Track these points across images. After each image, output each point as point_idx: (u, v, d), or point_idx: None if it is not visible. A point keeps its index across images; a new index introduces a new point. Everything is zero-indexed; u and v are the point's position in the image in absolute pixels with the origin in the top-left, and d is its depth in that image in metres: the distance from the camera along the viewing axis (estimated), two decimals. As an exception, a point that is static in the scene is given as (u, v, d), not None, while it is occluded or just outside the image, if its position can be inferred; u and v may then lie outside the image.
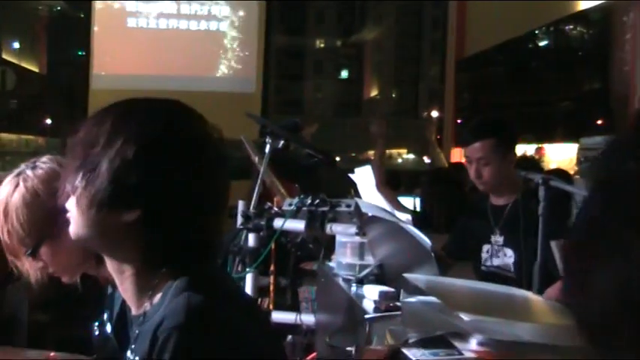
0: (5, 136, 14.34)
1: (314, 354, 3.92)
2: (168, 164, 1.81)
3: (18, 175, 2.59)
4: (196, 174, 1.85)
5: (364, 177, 3.05)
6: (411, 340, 2.02)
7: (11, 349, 2.79)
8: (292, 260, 4.87)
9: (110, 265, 1.93)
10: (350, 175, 3.14)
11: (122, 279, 1.92)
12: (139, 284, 1.89)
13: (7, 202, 2.55)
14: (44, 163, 2.62)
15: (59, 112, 14.63)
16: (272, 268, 4.67)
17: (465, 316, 2.02)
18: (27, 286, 2.85)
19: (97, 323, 2.78)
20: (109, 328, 2.69)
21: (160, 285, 1.84)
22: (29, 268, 2.62)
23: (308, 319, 4.33)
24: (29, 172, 2.58)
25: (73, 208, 1.87)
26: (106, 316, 2.70)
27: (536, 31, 12.16)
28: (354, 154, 11.23)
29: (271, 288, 4.66)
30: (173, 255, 1.84)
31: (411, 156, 12.97)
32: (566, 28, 12.03)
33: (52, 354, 2.74)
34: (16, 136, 14.92)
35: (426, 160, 12.82)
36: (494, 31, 11.46)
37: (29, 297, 3.51)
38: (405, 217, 2.90)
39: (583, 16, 10.63)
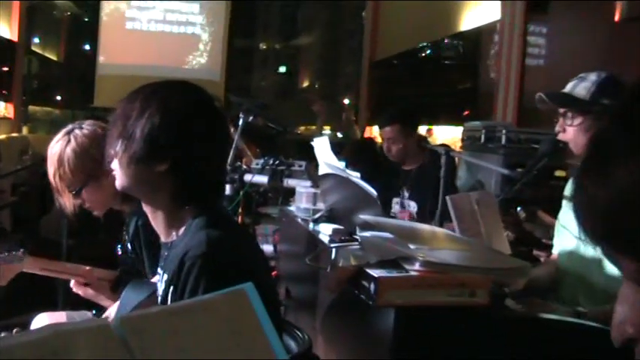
0: (32, 107, 14.08)
1: (275, 272, 3.94)
2: (187, 125, 1.83)
3: (68, 133, 2.60)
4: (209, 131, 1.87)
5: (321, 145, 3.06)
6: (371, 262, 2.04)
7: (54, 262, 2.75)
8: (254, 205, 4.89)
9: (145, 206, 1.95)
10: (311, 143, 3.15)
11: (155, 215, 1.94)
12: (168, 219, 1.91)
13: (61, 153, 2.56)
14: (89, 125, 2.63)
15: (72, 91, 14.35)
16: (240, 210, 4.68)
17: (411, 245, 2.05)
18: (62, 217, 2.82)
19: (119, 245, 2.76)
20: (130, 248, 2.68)
21: (185, 219, 1.87)
22: (68, 203, 2.61)
23: (266, 248, 4.36)
24: (77, 131, 2.59)
25: (116, 167, 1.90)
26: (126, 237, 2.70)
27: (428, 44, 12.32)
28: (289, 129, 11.26)
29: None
30: (194, 195, 1.87)
31: (330, 132, 13.04)
32: (450, 42, 12.26)
33: (86, 267, 2.71)
34: (40, 108, 14.64)
35: (339, 134, 12.84)
36: (397, 42, 11.54)
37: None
38: (355, 173, 2.91)
39: (462, 35, 10.76)
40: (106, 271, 2.73)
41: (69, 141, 2.56)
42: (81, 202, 2.64)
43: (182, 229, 1.87)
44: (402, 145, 4.67)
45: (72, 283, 2.68)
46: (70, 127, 2.64)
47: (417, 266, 1.93)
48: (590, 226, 0.76)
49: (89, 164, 2.52)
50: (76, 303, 2.76)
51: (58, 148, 2.57)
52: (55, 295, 3.34)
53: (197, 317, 1.02)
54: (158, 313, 1.04)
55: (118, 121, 1.87)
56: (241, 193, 4.44)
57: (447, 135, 9.71)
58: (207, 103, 1.90)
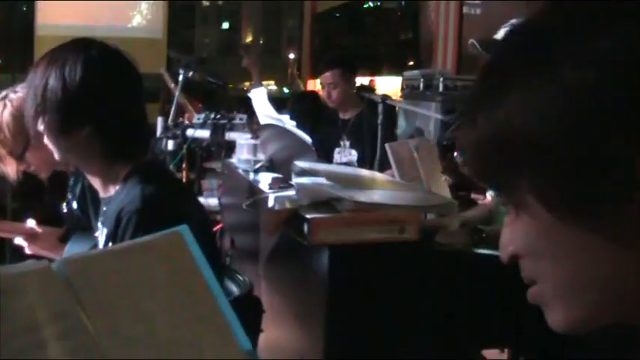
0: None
1: (220, 225, 4.01)
2: (94, 85, 1.83)
3: (3, 98, 2.59)
4: (119, 87, 1.88)
5: (258, 96, 3.11)
6: (304, 204, 2.11)
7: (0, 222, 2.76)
8: (199, 160, 4.92)
9: (81, 167, 1.98)
10: (247, 95, 3.19)
11: (91, 174, 1.97)
12: (102, 177, 1.94)
13: (10, 120, 2.55)
14: (22, 87, 2.60)
15: (11, 53, 14.05)
16: (184, 166, 4.71)
17: (343, 188, 2.13)
18: (6, 181, 2.83)
19: (64, 204, 2.79)
20: (74, 205, 2.70)
21: (119, 175, 1.90)
22: (11, 170, 2.63)
23: (212, 201, 4.41)
24: (12, 95, 2.58)
25: (47, 142, 1.89)
26: (70, 196, 2.72)
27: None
28: (231, 85, 11.18)
29: (184, 180, 4.70)
30: (121, 152, 1.89)
31: (275, 87, 13.01)
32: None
33: (31, 225, 2.73)
34: (-24, 72, 14.30)
35: (285, 90, 12.80)
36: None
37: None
38: (291, 122, 2.97)
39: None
40: (51, 228, 2.76)
41: (5, 106, 2.56)
42: (25, 167, 2.65)
43: (119, 183, 1.90)
44: (342, 89, 4.76)
45: (17, 240, 2.70)
46: (3, 93, 2.63)
47: (347, 206, 2.01)
48: (480, 159, 0.80)
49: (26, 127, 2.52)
50: (23, 260, 2.78)
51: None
52: (2, 255, 3.36)
53: (136, 257, 1.07)
54: (98, 254, 1.11)
55: (29, 97, 1.88)
56: (184, 148, 4.47)
57: (390, 86, 9.76)
58: (112, 58, 1.89)
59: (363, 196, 2.09)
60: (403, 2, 12.28)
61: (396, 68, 10.29)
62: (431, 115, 4.45)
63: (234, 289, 2.17)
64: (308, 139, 2.73)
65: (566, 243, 0.74)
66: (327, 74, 4.81)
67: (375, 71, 11.00)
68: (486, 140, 0.76)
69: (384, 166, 3.71)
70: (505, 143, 0.74)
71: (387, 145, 3.02)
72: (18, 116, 2.53)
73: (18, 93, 2.59)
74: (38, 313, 0.91)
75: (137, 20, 12.38)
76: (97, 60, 1.85)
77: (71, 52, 1.86)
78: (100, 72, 1.84)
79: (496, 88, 0.76)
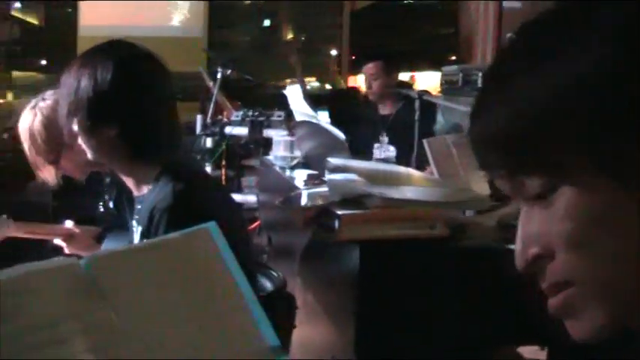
0: (15, 73, 13.98)
1: (258, 222, 4.03)
2: (123, 86, 1.85)
3: (33, 107, 2.63)
4: (148, 87, 1.90)
5: (293, 93, 3.12)
6: (335, 201, 2.11)
7: (38, 224, 2.81)
8: (237, 157, 4.96)
9: (113, 167, 2.01)
10: (283, 92, 3.21)
11: (123, 174, 2.00)
12: (135, 175, 1.97)
13: (30, 128, 2.60)
14: (50, 95, 2.64)
15: (55, 54, 14.25)
16: (223, 163, 4.75)
17: (374, 184, 2.13)
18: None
19: (101, 204, 2.83)
20: (111, 204, 2.74)
21: (152, 173, 1.91)
22: (49, 176, 2.67)
23: (250, 198, 4.44)
24: (42, 104, 2.62)
25: (80, 142, 1.92)
26: (107, 196, 2.75)
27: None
28: (273, 82, 11.23)
29: (223, 178, 4.74)
30: (151, 151, 1.92)
31: (316, 84, 13.01)
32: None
33: (68, 226, 2.78)
34: (23, 73, 14.54)
35: (327, 86, 12.80)
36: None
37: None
38: (325, 119, 2.98)
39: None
40: (88, 228, 2.80)
41: (35, 115, 2.61)
42: (61, 171, 2.69)
43: (151, 182, 1.93)
44: (382, 81, 4.78)
45: (56, 241, 2.75)
46: (33, 102, 2.68)
47: (376, 202, 2.01)
48: (493, 149, 0.75)
49: (59, 134, 2.55)
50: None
51: (27, 124, 2.62)
52: (43, 256, 3.41)
53: (163, 253, 1.09)
54: (124, 251, 1.12)
55: (62, 98, 1.93)
56: (223, 145, 4.51)
57: (430, 81, 9.72)
58: (141, 59, 1.92)
59: (394, 193, 2.09)
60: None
61: (436, 64, 10.25)
62: (469, 110, 4.42)
63: (268, 285, 2.19)
64: (342, 135, 2.74)
65: (622, 224, 0.68)
66: (370, 65, 4.85)
67: (415, 67, 10.96)
68: (526, 119, 0.72)
69: (422, 163, 3.70)
70: (559, 117, 0.70)
71: (424, 141, 3.01)
72: (49, 125, 2.57)
73: (47, 101, 2.63)
74: (64, 308, 0.93)
75: (177, 20, 12.48)
76: (127, 61, 1.89)
77: (102, 53, 1.90)
78: (129, 73, 1.87)
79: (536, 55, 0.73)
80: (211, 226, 1.14)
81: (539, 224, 0.73)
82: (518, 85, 0.72)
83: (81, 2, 12.49)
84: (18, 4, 14.56)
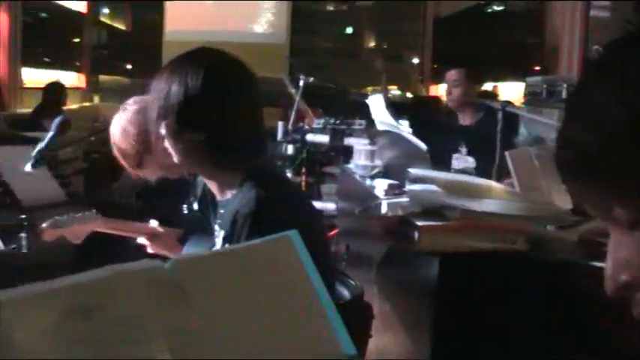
0: (102, 77, 14.34)
1: (336, 230, 4.05)
2: (212, 93, 1.88)
3: (123, 110, 2.69)
4: (236, 94, 1.92)
5: (376, 102, 3.14)
6: (415, 211, 2.12)
7: (124, 221, 2.88)
8: (318, 165, 4.99)
9: (198, 171, 2.05)
10: (365, 101, 3.23)
11: (208, 178, 2.04)
12: (219, 180, 2.00)
13: (118, 130, 2.66)
14: (139, 99, 2.70)
15: (140, 59, 14.56)
16: (304, 170, 4.79)
17: (455, 196, 2.13)
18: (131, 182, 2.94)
19: (184, 205, 2.88)
20: (195, 206, 2.79)
21: (235, 179, 1.94)
22: (149, 173, 2.74)
23: (330, 206, 4.46)
24: (131, 108, 2.68)
25: (167, 146, 1.97)
26: (191, 198, 2.80)
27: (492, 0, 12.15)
28: (355, 90, 11.20)
29: (303, 185, 4.78)
30: (237, 157, 1.94)
31: (397, 92, 12.96)
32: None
33: (153, 225, 2.84)
34: (110, 77, 14.90)
35: (408, 94, 12.74)
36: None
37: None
38: (407, 129, 2.98)
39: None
40: (172, 229, 2.86)
41: (125, 116, 2.68)
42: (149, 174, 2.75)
43: (235, 187, 1.96)
44: (463, 89, 4.73)
45: (139, 239, 2.82)
46: (123, 105, 2.75)
47: (456, 214, 2.01)
48: (584, 177, 0.74)
49: (144, 138, 2.61)
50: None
51: (115, 126, 2.69)
52: (126, 253, 3.49)
53: (245, 259, 1.11)
54: (208, 255, 1.15)
55: (151, 102, 1.96)
56: (304, 152, 4.55)
57: (513, 92, 9.61)
58: (231, 66, 1.95)
59: (474, 205, 2.08)
60: (529, 4, 12.04)
61: (520, 74, 10.12)
62: (553, 123, 4.36)
63: (346, 293, 2.20)
64: (423, 146, 2.74)
65: None
66: (452, 72, 4.81)
67: (499, 77, 10.83)
68: (619, 148, 0.70)
69: (503, 175, 3.66)
70: None
71: (506, 153, 2.99)
72: (134, 132, 2.63)
73: (136, 105, 2.68)
74: (148, 309, 0.96)
75: (260, 26, 12.63)
76: (217, 68, 1.92)
77: (193, 59, 1.94)
78: (219, 79, 1.90)
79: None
80: (293, 234, 1.16)
81: (630, 252, 0.74)
82: (610, 110, 0.70)
83: (167, 8, 12.77)
84: (106, 10, 14.96)
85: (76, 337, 0.90)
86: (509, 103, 4.45)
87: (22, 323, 0.88)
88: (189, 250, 2.57)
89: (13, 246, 2.79)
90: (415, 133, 3.37)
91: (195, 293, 1.01)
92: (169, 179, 2.82)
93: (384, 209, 2.35)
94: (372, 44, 15.07)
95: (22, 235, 2.75)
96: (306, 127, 4.89)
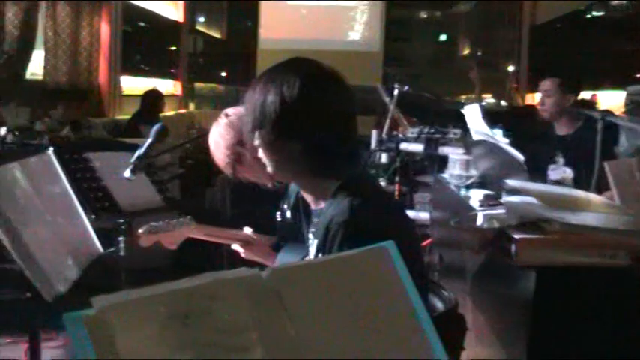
0: (197, 84, 14.64)
1: (430, 240, 4.02)
2: (308, 103, 1.88)
3: (220, 119, 2.74)
4: (331, 104, 1.91)
5: (472, 111, 3.11)
6: (512, 224, 2.09)
7: (218, 228, 2.92)
8: (411, 174, 4.97)
9: (293, 181, 2.06)
10: (460, 110, 3.20)
11: (302, 188, 2.05)
12: (313, 189, 2.01)
13: (215, 138, 2.71)
14: (236, 109, 2.74)
15: (235, 67, 14.81)
16: (397, 179, 4.77)
17: (553, 209, 2.10)
18: (224, 188, 2.98)
19: (278, 213, 2.91)
20: (288, 214, 2.81)
21: (330, 188, 1.94)
22: (246, 177, 2.78)
23: (423, 215, 4.43)
24: (227, 118, 2.72)
25: (262, 155, 1.99)
26: (285, 206, 2.82)
27: (592, 5, 11.84)
28: (447, 98, 11.10)
29: (397, 194, 4.76)
30: (332, 167, 1.94)
31: (492, 100, 12.81)
32: (614, 2, 11.75)
33: (247, 232, 2.88)
34: (205, 84, 15.19)
35: (503, 103, 12.57)
36: (559, 4, 11.19)
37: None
38: (504, 140, 2.94)
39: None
40: (265, 236, 2.89)
41: (220, 125, 2.73)
42: (247, 178, 2.79)
43: (329, 197, 1.96)
44: (556, 99, 4.61)
45: (233, 246, 2.86)
46: (222, 113, 2.79)
47: (555, 228, 1.97)
48: None
49: (240, 147, 2.65)
50: (238, 267, 2.91)
51: (213, 134, 2.74)
52: (220, 260, 3.54)
53: (341, 269, 1.12)
54: (305, 265, 1.15)
55: (247, 113, 1.98)
56: (397, 161, 4.54)
57: (613, 100, 9.37)
58: (326, 77, 1.94)
59: (573, 218, 2.04)
60: (630, 9, 11.68)
61: (620, 82, 9.85)
62: (656, 134, 4.23)
63: (439, 305, 2.18)
64: (520, 157, 2.70)
65: None
66: (546, 82, 4.68)
67: (598, 85, 10.57)
68: None
69: (601, 187, 3.58)
70: None
71: (605, 164, 2.92)
72: (229, 140, 2.68)
73: (233, 114, 2.73)
74: (246, 317, 0.98)
75: (354, 34, 12.69)
76: (312, 78, 1.92)
77: (288, 69, 1.94)
78: (315, 90, 1.90)
79: None
80: (389, 244, 1.16)
81: None
82: None
83: (261, 16, 12.96)
84: (202, 19, 15.27)
85: (176, 343, 0.93)
86: (608, 112, 4.34)
87: (123, 328, 0.91)
88: (283, 257, 2.59)
89: (112, 249, 2.86)
90: (511, 143, 3.33)
91: (291, 302, 1.02)
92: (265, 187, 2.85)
93: (479, 220, 2.33)
94: (466, 51, 14.94)
95: (121, 238, 2.83)
96: (400, 135, 4.88)
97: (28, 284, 2.21)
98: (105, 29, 9.27)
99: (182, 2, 12.65)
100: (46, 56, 8.16)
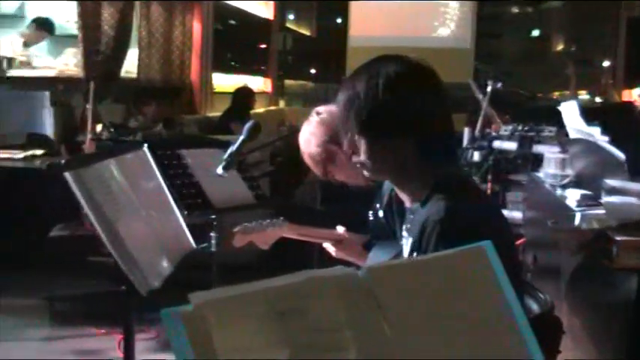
0: (287, 82, 14.76)
1: (523, 239, 3.96)
2: (404, 101, 1.87)
3: (311, 117, 2.74)
4: (428, 102, 1.89)
5: (569, 109, 3.04)
6: (612, 225, 2.04)
7: (311, 227, 2.92)
8: (504, 172, 4.90)
9: (389, 178, 2.04)
10: (557, 107, 3.13)
11: (398, 185, 2.03)
12: (410, 188, 1.98)
13: (306, 137, 2.71)
14: (327, 107, 2.74)
15: (325, 64, 14.89)
16: (489, 177, 4.72)
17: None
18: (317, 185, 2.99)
19: (370, 212, 2.89)
20: (380, 214, 2.79)
21: (427, 185, 1.92)
22: (339, 177, 2.78)
23: (515, 215, 4.36)
24: (319, 115, 2.72)
25: (357, 157, 1.97)
26: (377, 205, 2.81)
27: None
28: (540, 94, 10.88)
29: (488, 192, 4.70)
30: (429, 163, 1.91)
31: (587, 96, 12.51)
32: None
33: (340, 232, 2.88)
34: (294, 82, 15.31)
35: (597, 99, 12.26)
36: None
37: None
38: (603, 138, 2.87)
39: None
40: (357, 235, 2.88)
41: (311, 124, 2.73)
42: (336, 178, 2.79)
43: (425, 195, 1.94)
44: None
45: (325, 244, 2.86)
46: (313, 111, 2.79)
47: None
48: None
49: (333, 145, 2.65)
50: (330, 266, 2.91)
51: (304, 132, 2.74)
52: (311, 259, 3.56)
53: (438, 269, 1.11)
54: (401, 264, 1.15)
55: (340, 111, 1.96)
56: (490, 159, 4.48)
57: None
58: (420, 73, 1.92)
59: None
60: None
61: None
62: None
63: (534, 307, 2.14)
64: (621, 155, 2.62)
65: None
66: None
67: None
68: None
69: None
70: None
71: None
72: (321, 140, 2.68)
73: (324, 112, 2.73)
74: (341, 316, 0.97)
75: (445, 30, 12.57)
76: (408, 75, 1.91)
77: (382, 67, 1.92)
78: (410, 88, 1.89)
79: None
80: (487, 244, 1.14)
81: None
82: None
83: (351, 13, 12.96)
84: (292, 16, 15.40)
85: (273, 341, 0.93)
86: None
87: (221, 325, 0.91)
88: (375, 256, 2.58)
89: (204, 245, 2.90)
90: (610, 141, 3.24)
91: (387, 302, 1.02)
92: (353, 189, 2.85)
93: (577, 221, 2.27)
94: (560, 47, 14.65)
95: (212, 234, 2.86)
96: (493, 133, 4.81)
97: (123, 278, 2.26)
98: (197, 28, 9.42)
99: (272, 1, 12.75)
100: (139, 55, 8.33)
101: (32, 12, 8.79)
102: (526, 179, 4.31)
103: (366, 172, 2.02)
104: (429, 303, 1.06)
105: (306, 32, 15.74)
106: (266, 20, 12.76)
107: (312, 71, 16.25)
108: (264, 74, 12.98)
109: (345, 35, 13.06)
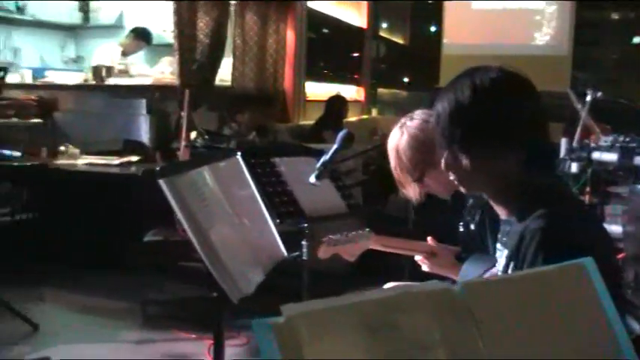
0: (380, 90, 14.76)
1: (623, 255, 3.84)
2: (502, 112, 1.84)
3: (401, 126, 2.72)
4: (524, 112, 1.86)
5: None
6: None
7: (398, 239, 2.90)
8: (603, 184, 4.78)
9: (483, 189, 2.01)
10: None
11: (494, 198, 1.99)
12: (506, 199, 1.95)
13: (396, 146, 2.69)
14: (418, 115, 2.71)
15: (418, 72, 14.83)
16: (587, 189, 4.60)
17: None
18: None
19: (461, 223, 2.85)
20: (472, 226, 2.75)
21: (523, 197, 1.88)
22: (412, 193, 2.76)
23: (614, 228, 4.24)
24: (409, 123, 2.70)
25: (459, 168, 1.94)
26: (468, 217, 2.76)
27: None
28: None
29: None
30: (526, 173, 1.87)
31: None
32: None
33: (429, 244, 2.85)
34: (387, 90, 15.30)
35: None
36: None
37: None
38: None
39: None
40: (448, 247, 2.84)
41: (402, 134, 2.70)
42: (426, 189, 2.76)
43: (521, 207, 1.89)
44: None
45: (417, 258, 2.83)
46: (402, 120, 2.76)
47: None
48: None
49: (425, 154, 2.61)
50: (421, 279, 2.89)
51: (394, 142, 2.72)
52: (402, 272, 3.53)
53: (536, 286, 1.08)
54: (498, 280, 1.12)
55: (434, 125, 1.94)
56: (588, 171, 4.38)
57: None
58: (515, 85, 1.89)
59: None
60: None
61: None
62: None
63: (636, 326, 2.07)
64: None
65: None
66: None
67: None
68: None
69: None
70: None
71: None
72: (413, 145, 2.65)
73: (414, 121, 2.70)
74: (435, 332, 0.96)
75: (542, 38, 12.34)
76: (502, 88, 1.87)
77: (476, 79, 1.88)
78: (505, 100, 1.86)
79: None
80: (587, 261, 1.11)
81: None
82: None
83: (445, 21, 12.86)
84: (385, 25, 15.38)
85: (365, 356, 0.92)
86: None
87: (312, 338, 0.91)
88: (468, 270, 2.54)
89: (295, 253, 2.91)
90: None
91: (484, 318, 1.00)
92: (450, 201, 2.81)
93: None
94: (663, 55, 14.23)
95: (304, 242, 2.87)
96: (592, 144, 4.69)
97: (215, 284, 2.28)
98: (290, 36, 9.51)
99: (366, 9, 12.76)
100: (234, 63, 8.44)
101: (130, 22, 9.08)
102: (627, 192, 4.19)
103: (462, 187, 1.99)
104: (526, 320, 1.04)
105: (400, 40, 15.71)
106: (359, 28, 12.79)
107: (405, 79, 16.20)
108: (356, 83, 13.01)
109: (439, 43, 12.98)
